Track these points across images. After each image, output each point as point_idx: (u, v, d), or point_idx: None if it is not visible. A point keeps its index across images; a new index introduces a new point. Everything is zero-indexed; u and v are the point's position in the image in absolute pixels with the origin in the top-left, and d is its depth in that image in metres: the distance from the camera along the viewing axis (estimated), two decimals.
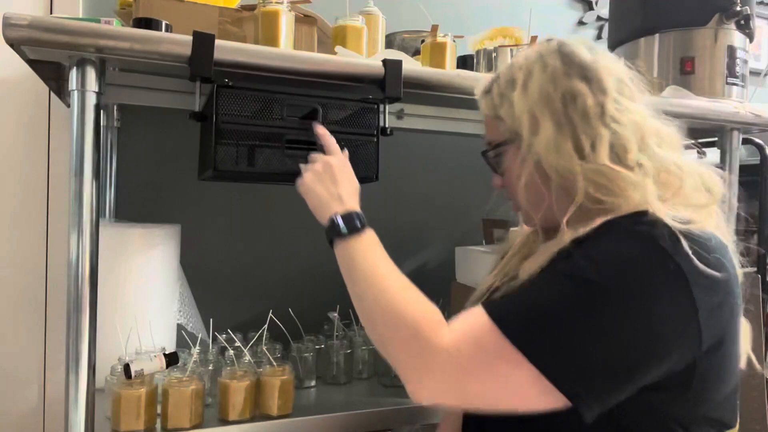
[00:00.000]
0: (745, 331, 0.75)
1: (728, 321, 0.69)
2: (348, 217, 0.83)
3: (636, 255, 0.65)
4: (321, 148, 0.96)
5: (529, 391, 0.63)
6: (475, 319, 0.67)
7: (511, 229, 1.03)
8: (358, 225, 0.83)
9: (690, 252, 0.64)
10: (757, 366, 0.79)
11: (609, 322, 0.62)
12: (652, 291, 0.63)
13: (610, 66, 0.78)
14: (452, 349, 0.66)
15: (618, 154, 0.73)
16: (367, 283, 0.77)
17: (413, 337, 0.68)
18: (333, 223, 0.84)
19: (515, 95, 0.78)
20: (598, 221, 0.70)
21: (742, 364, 0.75)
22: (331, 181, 0.88)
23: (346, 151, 0.96)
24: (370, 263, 0.79)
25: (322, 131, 0.96)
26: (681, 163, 0.75)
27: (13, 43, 0.84)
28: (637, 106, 0.77)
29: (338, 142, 1.03)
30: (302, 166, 0.93)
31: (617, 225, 0.69)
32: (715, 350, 0.67)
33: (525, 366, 0.62)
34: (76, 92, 0.90)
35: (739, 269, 0.72)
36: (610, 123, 0.74)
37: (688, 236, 0.66)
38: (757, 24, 1.49)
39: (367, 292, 0.76)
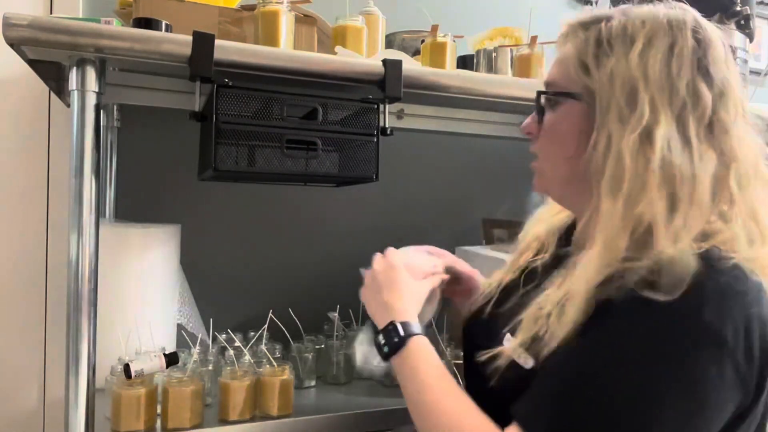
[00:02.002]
0: None
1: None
2: (386, 332, 0.78)
3: (681, 335, 0.57)
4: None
5: None
6: None
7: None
8: (396, 340, 0.76)
9: (731, 312, 0.58)
10: None
11: (669, 413, 0.57)
12: (701, 374, 0.57)
13: (735, 82, 0.68)
14: None
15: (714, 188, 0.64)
16: (418, 400, 0.72)
17: None
18: (377, 344, 0.79)
19: (629, 56, 0.66)
20: (627, 268, 0.60)
21: None
22: (377, 290, 0.83)
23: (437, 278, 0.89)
24: (417, 379, 0.73)
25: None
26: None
27: (13, 43, 0.84)
28: (749, 136, 0.68)
29: (338, 142, 1.03)
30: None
31: (651, 297, 0.58)
32: (759, 399, 0.61)
33: None
34: (76, 92, 0.90)
35: None
36: (725, 143, 0.65)
37: (728, 292, 0.59)
38: (757, 24, 1.49)
39: (419, 409, 0.72)
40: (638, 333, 0.59)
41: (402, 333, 0.76)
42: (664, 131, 0.63)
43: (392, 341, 0.76)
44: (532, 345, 0.67)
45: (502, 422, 0.66)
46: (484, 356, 0.71)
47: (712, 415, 0.58)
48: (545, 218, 0.89)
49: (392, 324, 0.77)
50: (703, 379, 0.57)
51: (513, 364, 0.68)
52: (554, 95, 0.74)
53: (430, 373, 0.73)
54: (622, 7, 0.72)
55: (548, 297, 0.68)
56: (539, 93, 0.76)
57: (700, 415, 0.57)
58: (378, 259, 0.87)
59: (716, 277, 0.59)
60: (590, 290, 0.62)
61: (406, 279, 0.84)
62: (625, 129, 0.64)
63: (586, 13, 0.75)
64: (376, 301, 0.82)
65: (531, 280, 0.80)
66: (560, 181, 0.75)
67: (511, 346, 0.69)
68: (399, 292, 0.81)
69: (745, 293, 0.59)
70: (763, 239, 0.65)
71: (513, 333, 0.71)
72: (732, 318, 0.57)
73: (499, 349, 0.70)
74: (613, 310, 0.60)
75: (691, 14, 0.70)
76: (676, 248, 0.60)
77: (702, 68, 0.66)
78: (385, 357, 0.77)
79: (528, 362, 0.67)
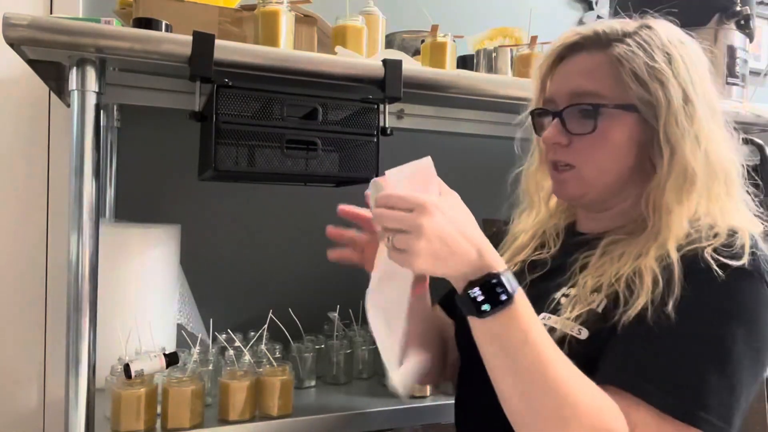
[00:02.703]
0: None
1: None
2: (487, 286, 0.62)
3: (751, 295, 0.67)
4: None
5: None
6: (637, 411, 0.63)
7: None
8: (503, 297, 0.62)
9: None
10: None
11: (756, 366, 0.66)
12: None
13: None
14: None
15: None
16: (535, 384, 0.62)
17: None
18: (466, 297, 0.63)
19: (676, 70, 0.74)
20: (697, 243, 0.70)
21: None
22: (440, 251, 0.62)
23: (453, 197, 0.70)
24: (535, 353, 0.62)
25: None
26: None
27: (13, 43, 0.84)
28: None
29: (338, 142, 1.03)
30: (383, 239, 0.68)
31: (723, 261, 0.68)
32: None
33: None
34: (76, 92, 0.90)
35: None
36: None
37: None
38: (757, 24, 1.49)
39: (526, 379, 0.62)
40: (721, 293, 0.66)
41: (509, 287, 0.62)
42: (707, 134, 0.74)
43: (497, 297, 0.61)
44: (589, 318, 0.70)
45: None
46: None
47: None
48: (535, 222, 0.91)
49: (496, 276, 0.62)
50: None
51: (567, 338, 0.70)
52: (614, 108, 0.75)
53: (544, 342, 0.63)
54: (630, 21, 0.78)
55: (605, 273, 0.72)
56: (592, 104, 0.75)
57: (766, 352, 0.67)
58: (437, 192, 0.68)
59: (764, 249, 0.70)
60: (668, 264, 0.68)
61: (466, 217, 0.67)
62: (685, 135, 0.73)
63: (597, 25, 0.79)
64: (458, 242, 0.62)
65: (535, 270, 0.83)
66: (604, 188, 0.78)
67: (562, 321, 0.72)
68: (480, 233, 0.65)
69: None
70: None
71: (554, 313, 0.74)
72: None
73: (551, 323, 0.73)
74: (693, 275, 0.67)
75: (681, 32, 0.79)
76: (732, 224, 0.71)
77: (711, 78, 0.78)
78: (482, 314, 0.62)
79: (582, 333, 0.70)
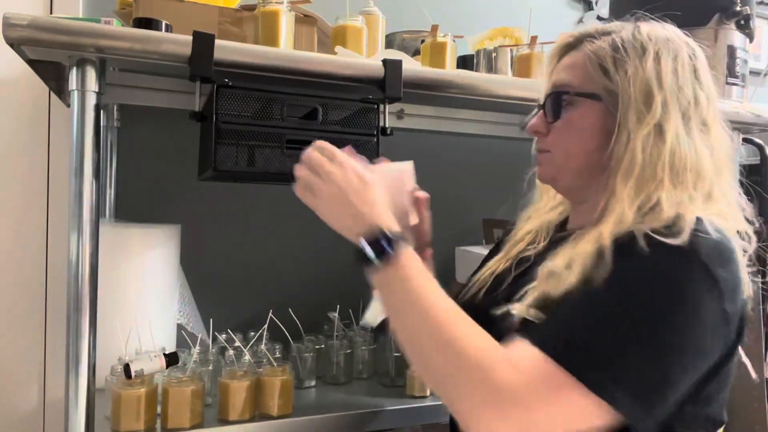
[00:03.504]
0: None
1: (744, 323, 0.71)
2: (374, 241, 0.70)
3: (681, 272, 0.66)
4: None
5: (590, 417, 0.63)
6: (526, 352, 0.65)
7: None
8: (388, 249, 0.70)
9: (725, 267, 0.67)
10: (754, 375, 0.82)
11: (664, 342, 0.64)
12: (696, 308, 0.65)
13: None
14: (518, 389, 0.63)
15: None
16: (414, 314, 0.68)
17: (476, 380, 0.64)
18: (359, 251, 0.71)
19: (644, 63, 0.75)
20: (636, 224, 0.69)
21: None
22: (337, 199, 0.74)
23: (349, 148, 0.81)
24: (414, 290, 0.69)
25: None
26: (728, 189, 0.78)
27: (13, 43, 0.84)
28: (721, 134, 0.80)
29: (338, 142, 1.03)
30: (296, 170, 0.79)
31: (657, 238, 0.67)
32: (732, 356, 0.71)
33: (588, 396, 0.62)
34: (76, 92, 0.90)
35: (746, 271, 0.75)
36: (711, 140, 0.77)
37: (721, 248, 0.68)
38: (757, 24, 1.49)
39: (415, 325, 0.68)
40: (647, 267, 0.66)
41: (393, 240, 0.70)
42: (674, 127, 0.74)
43: (381, 248, 0.69)
44: (544, 302, 0.72)
45: None
46: (498, 311, 0.76)
47: (705, 337, 0.65)
48: (537, 215, 0.94)
49: (380, 230, 0.70)
50: (702, 306, 0.65)
51: (524, 322, 0.72)
52: (576, 95, 0.80)
53: (426, 287, 0.69)
54: (622, 23, 0.82)
55: (558, 258, 0.73)
56: (559, 93, 0.81)
57: (695, 333, 0.65)
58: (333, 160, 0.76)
59: (710, 233, 0.68)
60: (601, 246, 0.69)
61: (379, 188, 0.76)
62: (641, 125, 0.74)
63: (587, 27, 0.84)
64: (357, 199, 0.73)
65: (522, 266, 0.86)
66: (573, 172, 0.82)
67: (521, 306, 0.74)
68: (376, 200, 0.74)
69: (732, 251, 0.70)
70: (733, 217, 0.76)
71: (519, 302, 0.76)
72: (722, 266, 0.67)
73: (510, 306, 0.75)
74: (623, 252, 0.68)
75: (680, 32, 0.81)
76: (678, 211, 0.70)
77: (697, 77, 0.78)
78: (370, 265, 0.70)
79: (538, 318, 0.72)
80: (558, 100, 0.82)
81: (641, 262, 0.66)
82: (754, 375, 0.82)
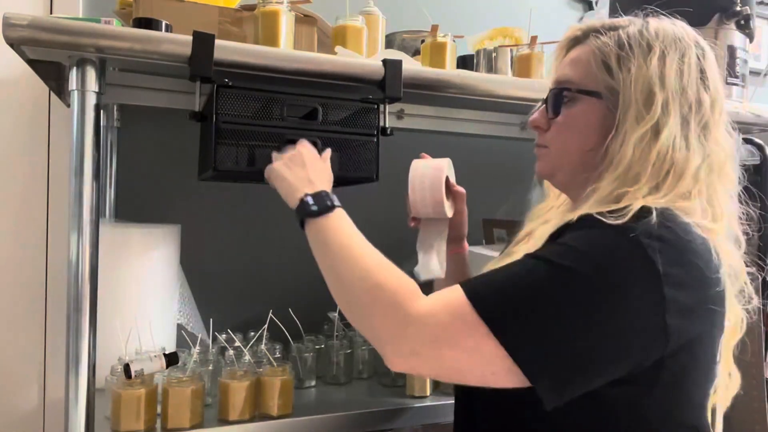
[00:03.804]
0: (735, 325, 0.78)
1: (704, 323, 0.69)
2: (318, 197, 0.84)
3: (613, 247, 0.65)
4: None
5: (496, 367, 0.64)
6: (450, 292, 0.68)
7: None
8: (329, 204, 0.83)
9: (669, 250, 0.65)
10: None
11: (578, 311, 0.63)
12: (623, 284, 0.64)
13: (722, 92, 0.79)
14: (428, 318, 0.67)
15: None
16: (342, 255, 0.78)
17: (390, 305, 0.69)
18: (303, 203, 0.84)
19: (648, 62, 0.74)
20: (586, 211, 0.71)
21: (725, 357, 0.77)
22: (300, 166, 0.90)
23: (328, 151, 0.98)
24: (345, 237, 0.80)
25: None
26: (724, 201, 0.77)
27: (13, 43, 0.84)
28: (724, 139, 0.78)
29: (338, 142, 1.03)
30: (273, 154, 0.95)
31: (601, 217, 0.68)
32: (686, 350, 0.68)
33: (492, 342, 0.63)
34: (76, 92, 0.90)
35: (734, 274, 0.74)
36: (708, 144, 0.75)
37: (665, 233, 0.66)
38: (757, 24, 1.49)
39: (342, 264, 0.77)
40: (578, 240, 0.67)
41: (334, 201, 0.84)
42: (671, 130, 0.73)
43: (324, 203, 0.83)
44: None
45: (491, 411, 0.78)
46: None
47: (629, 319, 0.64)
48: (541, 214, 0.94)
49: (325, 192, 0.85)
50: (629, 286, 0.63)
51: None
52: (578, 92, 0.79)
53: (353, 233, 0.81)
54: (631, 18, 0.81)
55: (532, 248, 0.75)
56: (561, 89, 0.81)
57: (617, 313, 0.63)
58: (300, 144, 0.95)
59: (655, 219, 0.66)
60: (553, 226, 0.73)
61: (319, 163, 0.92)
62: (638, 125, 0.73)
63: (595, 21, 0.82)
64: (298, 176, 0.89)
65: None
66: (570, 168, 0.81)
67: None
68: (325, 175, 0.91)
69: (690, 242, 0.68)
70: (714, 218, 0.74)
71: None
72: (668, 252, 0.65)
73: None
74: (567, 227, 0.70)
75: (690, 30, 0.80)
76: (632, 202, 0.69)
77: (703, 78, 0.77)
78: (311, 215, 0.83)
79: None
80: (559, 96, 0.81)
81: (573, 234, 0.68)
82: (738, 382, 0.81)
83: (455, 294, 0.67)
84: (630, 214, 0.66)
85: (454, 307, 0.66)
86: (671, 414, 0.70)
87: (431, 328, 0.66)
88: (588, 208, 0.71)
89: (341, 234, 0.81)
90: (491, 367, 0.64)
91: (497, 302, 0.65)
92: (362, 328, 0.75)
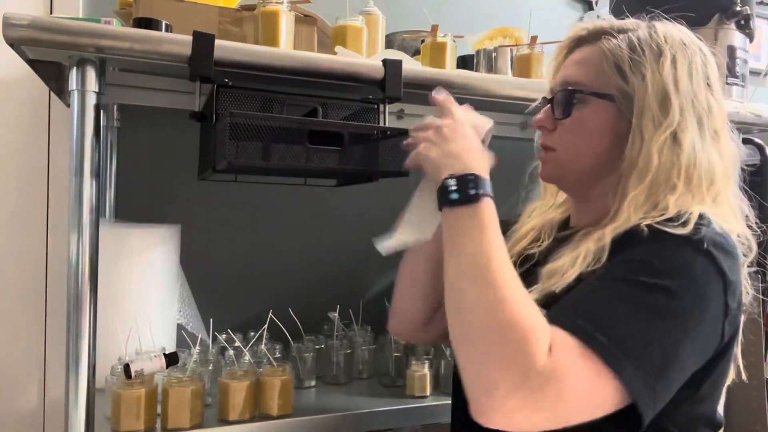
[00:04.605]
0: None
1: (739, 325, 0.72)
2: (463, 180, 0.70)
3: (692, 261, 0.66)
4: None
5: (608, 404, 0.61)
6: (567, 340, 0.62)
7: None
8: (472, 192, 0.69)
9: (729, 260, 0.67)
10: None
11: (679, 329, 0.64)
12: (705, 298, 0.65)
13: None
14: (555, 374, 0.59)
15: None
16: (479, 267, 0.65)
17: (518, 351, 0.59)
18: (443, 187, 0.71)
19: (661, 67, 0.75)
20: (638, 221, 0.70)
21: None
22: (443, 140, 0.75)
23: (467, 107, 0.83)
24: (484, 247, 0.66)
25: (440, 98, 0.81)
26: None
27: (13, 43, 0.84)
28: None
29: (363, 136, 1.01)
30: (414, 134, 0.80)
31: (661, 228, 0.68)
32: (726, 353, 0.71)
33: (613, 383, 0.60)
34: (76, 92, 0.90)
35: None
36: (721, 148, 0.77)
37: (724, 242, 0.69)
38: (757, 24, 1.49)
39: (473, 283, 0.65)
40: (653, 252, 0.66)
41: (481, 186, 0.70)
42: (691, 134, 0.74)
43: (467, 190, 0.69)
44: (546, 300, 0.71)
45: None
46: None
47: (708, 325, 0.66)
48: (540, 212, 0.93)
49: (473, 175, 0.70)
50: (707, 294, 0.65)
51: None
52: (590, 95, 0.78)
53: (496, 243, 0.67)
54: (636, 21, 0.82)
55: (560, 260, 0.74)
56: (572, 91, 0.79)
57: (701, 320, 0.65)
58: (444, 114, 0.79)
59: (715, 226, 0.69)
60: (603, 245, 0.70)
61: (476, 139, 0.77)
62: (657, 130, 0.73)
63: (602, 22, 0.82)
64: (444, 151, 0.73)
65: (526, 264, 0.85)
66: (579, 172, 0.81)
67: None
68: (472, 149, 0.75)
69: (735, 248, 0.70)
70: (737, 222, 0.77)
71: None
72: (726, 259, 0.67)
73: None
74: (626, 243, 0.69)
75: (693, 35, 0.80)
76: (682, 209, 0.70)
77: (709, 84, 0.78)
78: (450, 203, 0.69)
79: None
80: (569, 98, 0.80)
81: (647, 248, 0.67)
82: (744, 376, 0.81)
83: (572, 342, 0.61)
84: (691, 223, 0.67)
85: (577, 359, 0.60)
86: (698, 412, 0.72)
87: (556, 386, 0.59)
88: (628, 215, 0.71)
89: (481, 241, 0.67)
90: (604, 405, 0.61)
91: (617, 343, 0.61)
92: (465, 360, 0.63)
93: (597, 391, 0.61)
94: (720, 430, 0.76)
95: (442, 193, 0.70)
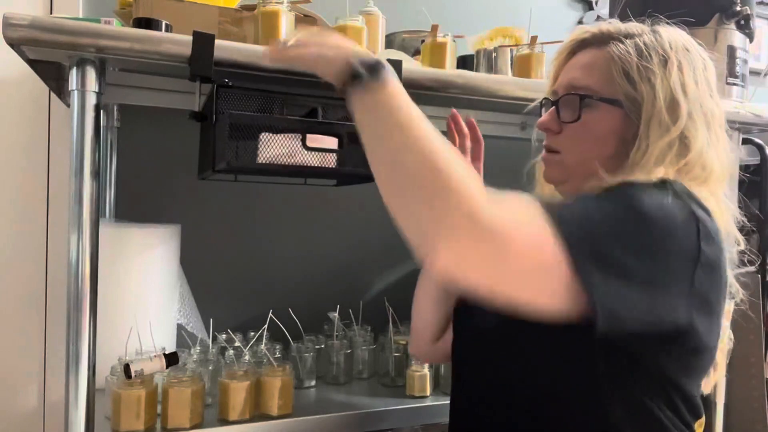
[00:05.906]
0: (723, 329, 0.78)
1: (717, 292, 0.69)
2: (366, 60, 0.68)
3: (669, 200, 0.66)
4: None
5: (557, 291, 0.59)
6: (527, 206, 0.61)
7: None
8: (381, 66, 0.67)
9: (699, 208, 0.68)
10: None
11: (650, 248, 0.63)
12: (676, 226, 0.65)
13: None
14: (503, 224, 0.57)
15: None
16: (406, 138, 0.62)
17: (459, 203, 0.57)
18: (349, 66, 0.68)
19: (669, 73, 0.76)
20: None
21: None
22: (326, 37, 0.74)
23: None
24: (407, 116, 0.64)
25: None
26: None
27: (13, 43, 0.84)
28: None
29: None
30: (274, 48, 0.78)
31: (640, 181, 0.70)
32: (703, 313, 0.67)
33: (565, 265, 0.58)
34: (76, 92, 0.90)
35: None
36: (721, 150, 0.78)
37: (706, 218, 0.69)
38: (757, 24, 1.49)
39: (406, 150, 0.62)
40: (632, 192, 0.67)
41: (382, 63, 0.68)
42: (701, 138, 0.75)
43: (374, 69, 0.67)
44: None
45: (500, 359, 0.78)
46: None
47: (677, 255, 0.65)
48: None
49: (371, 56, 0.70)
50: (679, 225, 0.65)
51: None
52: (599, 100, 0.79)
53: (417, 114, 0.65)
54: (639, 25, 0.81)
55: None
56: (581, 96, 0.79)
57: (667, 238, 0.64)
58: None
59: (699, 205, 0.69)
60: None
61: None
62: (665, 134, 0.74)
63: (608, 25, 0.82)
64: (326, 45, 0.73)
65: None
66: (583, 176, 0.80)
67: None
68: (346, 41, 0.75)
69: (718, 229, 0.70)
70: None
71: None
72: (699, 211, 0.67)
73: None
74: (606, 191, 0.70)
75: (693, 40, 0.81)
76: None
77: (710, 87, 0.79)
78: (360, 79, 0.67)
79: None
80: (577, 102, 0.80)
81: (626, 190, 0.68)
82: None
83: (534, 210, 0.61)
84: (668, 185, 0.69)
85: (535, 222, 0.60)
86: (676, 378, 0.71)
87: (502, 237, 0.57)
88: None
89: (400, 106, 0.65)
90: (553, 290, 0.59)
91: (580, 228, 0.61)
92: (406, 212, 0.61)
93: (547, 270, 0.59)
94: (699, 421, 0.75)
95: (349, 73, 0.68)
